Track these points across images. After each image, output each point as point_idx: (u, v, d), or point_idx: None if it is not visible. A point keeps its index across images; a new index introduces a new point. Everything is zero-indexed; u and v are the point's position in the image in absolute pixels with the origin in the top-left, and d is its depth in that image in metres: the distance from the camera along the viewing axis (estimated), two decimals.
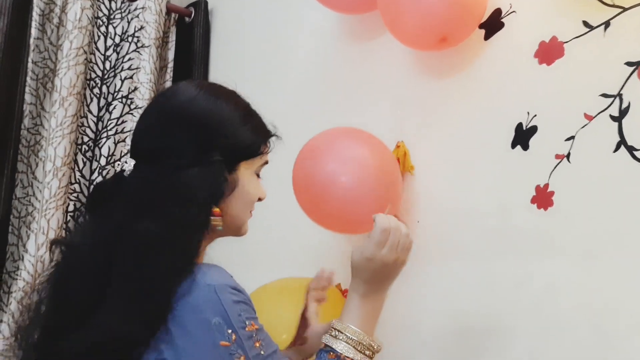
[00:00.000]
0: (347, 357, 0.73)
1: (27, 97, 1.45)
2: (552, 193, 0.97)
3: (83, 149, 1.47)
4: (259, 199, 0.82)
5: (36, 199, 1.44)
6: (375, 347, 0.76)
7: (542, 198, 0.98)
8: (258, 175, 0.82)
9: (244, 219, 0.79)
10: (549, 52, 0.99)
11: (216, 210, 0.74)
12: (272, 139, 0.83)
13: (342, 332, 0.75)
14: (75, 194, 1.44)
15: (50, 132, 1.42)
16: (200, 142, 0.74)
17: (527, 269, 0.97)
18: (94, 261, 0.70)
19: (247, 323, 0.67)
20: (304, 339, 0.92)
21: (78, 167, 1.45)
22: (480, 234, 1.04)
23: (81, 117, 1.47)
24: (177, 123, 0.75)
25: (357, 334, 0.75)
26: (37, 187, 1.44)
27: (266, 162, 0.82)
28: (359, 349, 0.74)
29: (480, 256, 1.03)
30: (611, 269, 0.89)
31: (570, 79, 0.96)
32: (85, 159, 1.46)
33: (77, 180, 1.45)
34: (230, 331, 0.66)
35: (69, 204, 1.43)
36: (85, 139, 1.48)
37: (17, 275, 1.41)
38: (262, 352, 0.67)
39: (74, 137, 1.44)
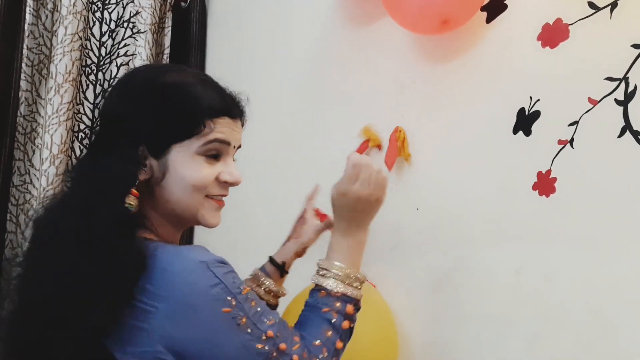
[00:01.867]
0: (337, 292, 0.77)
1: (23, 84, 1.41)
2: (554, 179, 0.94)
3: (80, 137, 1.43)
4: (224, 182, 0.76)
5: (33, 186, 1.40)
6: (361, 278, 0.80)
7: (544, 184, 0.95)
8: (216, 158, 0.75)
9: (192, 205, 0.75)
10: (553, 34, 0.95)
11: (133, 191, 0.72)
12: (229, 117, 0.76)
13: (328, 270, 0.79)
14: None
15: (47, 120, 1.38)
16: (112, 129, 0.74)
17: (528, 256, 0.95)
18: (53, 242, 0.71)
19: (241, 287, 0.70)
20: (299, 233, 0.99)
21: (75, 155, 1.41)
22: (480, 221, 1.01)
23: (77, 104, 1.43)
24: (102, 109, 0.79)
25: (343, 269, 0.78)
26: (34, 175, 1.41)
27: (222, 141, 0.75)
28: (347, 282, 0.78)
29: (480, 243, 1.01)
30: (613, 256, 0.86)
31: (575, 62, 0.93)
32: (82, 146, 1.43)
33: (74, 168, 1.41)
34: (229, 298, 0.68)
35: None
36: (82, 126, 1.44)
37: (16, 262, 1.39)
38: (258, 309, 0.70)
39: (71, 124, 1.40)
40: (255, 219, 1.35)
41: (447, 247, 1.05)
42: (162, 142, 0.73)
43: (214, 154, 0.75)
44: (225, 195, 0.78)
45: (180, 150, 0.73)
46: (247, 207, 1.29)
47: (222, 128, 0.74)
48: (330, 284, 0.77)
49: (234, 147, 0.77)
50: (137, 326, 0.67)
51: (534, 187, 0.95)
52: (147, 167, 0.73)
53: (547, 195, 0.94)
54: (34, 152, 1.41)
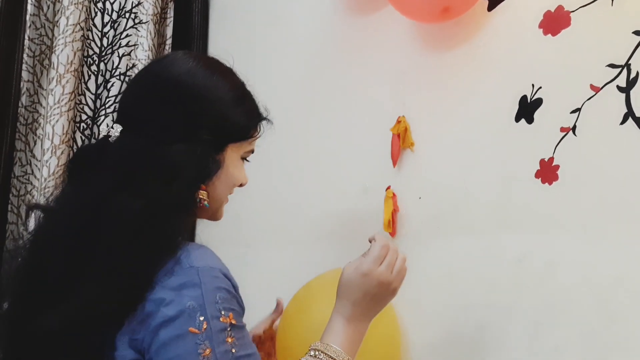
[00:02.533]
0: None
1: (24, 75, 1.40)
2: (557, 167, 0.93)
3: (81, 127, 1.43)
4: (240, 185, 0.78)
5: (35, 177, 1.40)
6: None
7: (547, 172, 0.94)
8: (245, 160, 0.78)
9: (222, 202, 0.76)
10: (555, 22, 0.94)
11: (203, 186, 0.70)
12: (264, 123, 0.79)
13: (323, 352, 0.69)
14: None
15: (48, 110, 1.37)
16: (189, 118, 0.70)
17: (530, 244, 0.94)
18: (72, 230, 0.66)
19: (222, 313, 0.62)
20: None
21: (76, 145, 1.41)
22: (482, 209, 1.00)
23: (79, 95, 1.42)
24: (167, 95, 0.71)
25: (341, 355, 0.69)
26: (36, 165, 1.40)
27: (252, 151, 0.78)
28: None
29: (482, 231, 1.00)
30: (616, 244, 0.86)
31: (576, 50, 0.92)
32: (83, 137, 1.42)
33: None
34: (202, 318, 0.61)
35: None
36: (84, 116, 1.43)
37: (17, 254, 1.38)
38: (232, 351, 0.62)
39: (72, 115, 1.39)
40: (256, 213, 1.34)
41: (449, 236, 1.04)
42: (226, 139, 0.72)
43: (245, 158, 0.78)
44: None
45: (234, 150, 0.74)
46: (247, 200, 1.28)
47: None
48: None
49: None
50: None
51: (537, 175, 0.95)
52: None
53: (550, 183, 0.93)
54: (35, 142, 1.41)
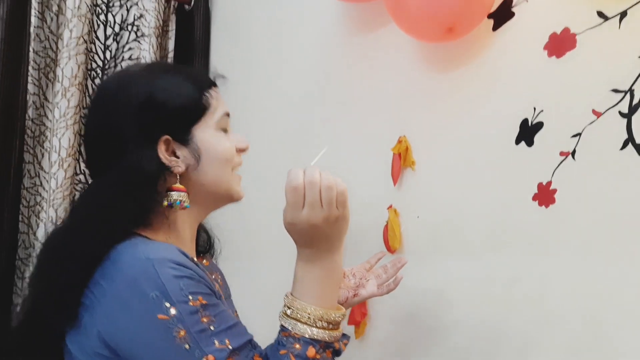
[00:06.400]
0: (296, 333, 0.64)
1: (30, 87, 1.36)
2: (554, 190, 0.90)
3: None
4: (240, 151, 0.74)
5: (43, 188, 1.37)
6: (330, 318, 0.65)
7: (544, 195, 0.91)
8: (226, 131, 0.73)
9: (226, 181, 0.72)
10: (560, 44, 0.89)
11: (175, 187, 0.67)
12: (214, 86, 0.73)
13: (290, 307, 0.66)
14: (80, 185, 1.37)
15: (54, 123, 1.34)
16: (137, 124, 0.67)
17: (525, 265, 0.92)
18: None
19: (190, 297, 0.60)
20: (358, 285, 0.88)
21: (83, 158, 1.37)
22: (480, 230, 0.98)
23: (83, 108, 1.38)
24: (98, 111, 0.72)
25: (305, 308, 0.65)
26: (44, 177, 1.37)
27: (226, 114, 0.73)
28: (309, 323, 0.64)
29: (478, 251, 0.98)
30: (609, 268, 0.83)
31: (581, 73, 0.88)
32: None
33: (82, 171, 1.37)
34: (168, 305, 0.60)
35: (75, 194, 1.36)
36: None
37: (29, 262, 1.37)
38: (211, 328, 0.60)
39: (78, 128, 1.36)
40: (257, 225, 1.30)
41: (446, 254, 1.02)
42: (183, 125, 0.69)
43: (224, 128, 0.72)
44: (241, 165, 0.75)
45: (202, 130, 0.70)
46: (249, 213, 1.25)
47: (218, 102, 0.72)
48: (290, 323, 0.65)
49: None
50: (84, 317, 0.63)
51: (534, 198, 0.92)
52: (181, 157, 0.69)
53: (547, 206, 0.90)
54: (42, 155, 1.37)
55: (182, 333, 0.59)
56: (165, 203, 0.67)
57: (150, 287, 0.60)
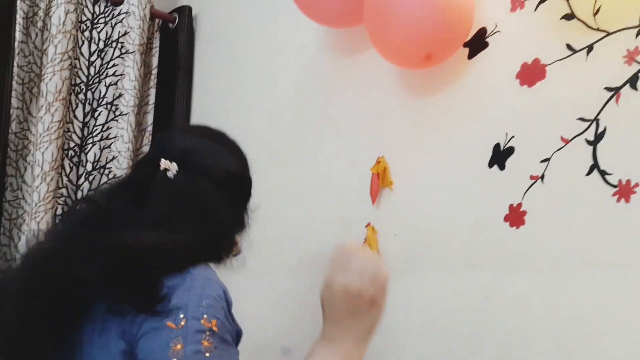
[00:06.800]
0: None
1: (14, 102, 1.37)
2: (524, 212, 0.93)
3: (69, 154, 1.39)
4: None
5: (26, 202, 1.37)
6: None
7: (515, 216, 0.94)
8: None
9: None
10: (531, 73, 0.92)
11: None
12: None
13: None
14: (62, 198, 1.37)
15: (38, 137, 1.34)
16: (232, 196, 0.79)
17: (497, 283, 0.95)
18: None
19: (204, 317, 0.59)
20: None
21: (65, 172, 1.37)
22: (454, 248, 1.00)
23: (67, 123, 1.39)
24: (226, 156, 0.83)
25: None
26: (27, 191, 1.37)
27: None
28: None
29: (453, 268, 1.00)
30: (574, 286, 0.86)
31: (550, 102, 0.91)
32: (72, 164, 1.39)
33: (65, 185, 1.38)
34: (182, 316, 0.59)
35: (57, 208, 1.36)
36: (72, 144, 1.40)
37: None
38: (206, 354, 0.58)
39: (61, 143, 1.36)
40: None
41: (422, 272, 1.04)
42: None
43: None
44: None
45: None
46: None
47: None
48: None
49: None
50: None
51: (506, 219, 0.94)
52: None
53: (518, 227, 0.93)
54: (25, 168, 1.38)
55: (179, 347, 0.57)
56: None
57: (178, 296, 0.61)
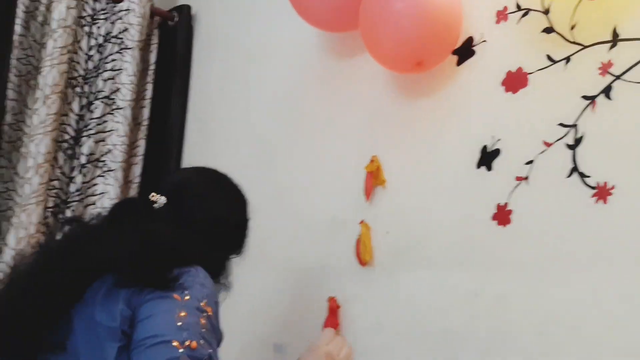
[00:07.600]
0: None
1: (10, 93, 1.36)
2: (510, 211, 0.97)
3: (63, 147, 1.39)
4: None
5: (17, 193, 1.35)
6: None
7: (502, 215, 0.98)
8: None
9: None
10: (515, 81, 0.98)
11: None
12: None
13: None
14: (54, 191, 1.36)
15: (32, 129, 1.33)
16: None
17: (484, 279, 0.98)
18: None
19: (204, 301, 0.69)
20: None
21: (58, 165, 1.37)
22: (443, 246, 1.04)
23: (62, 115, 1.38)
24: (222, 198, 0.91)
25: None
26: (18, 182, 1.36)
27: None
28: None
29: (442, 265, 1.03)
30: (559, 282, 0.90)
31: (533, 108, 0.96)
32: (65, 157, 1.38)
33: (57, 177, 1.37)
34: (186, 292, 0.68)
35: (48, 200, 1.35)
36: (66, 136, 1.39)
37: None
38: (202, 330, 0.67)
39: (55, 135, 1.35)
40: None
41: (412, 268, 1.07)
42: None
43: None
44: None
45: None
46: None
47: None
48: None
49: None
50: None
51: (493, 218, 0.98)
52: None
53: (504, 225, 0.97)
54: (18, 160, 1.36)
55: (183, 314, 0.66)
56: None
57: (184, 279, 0.70)
